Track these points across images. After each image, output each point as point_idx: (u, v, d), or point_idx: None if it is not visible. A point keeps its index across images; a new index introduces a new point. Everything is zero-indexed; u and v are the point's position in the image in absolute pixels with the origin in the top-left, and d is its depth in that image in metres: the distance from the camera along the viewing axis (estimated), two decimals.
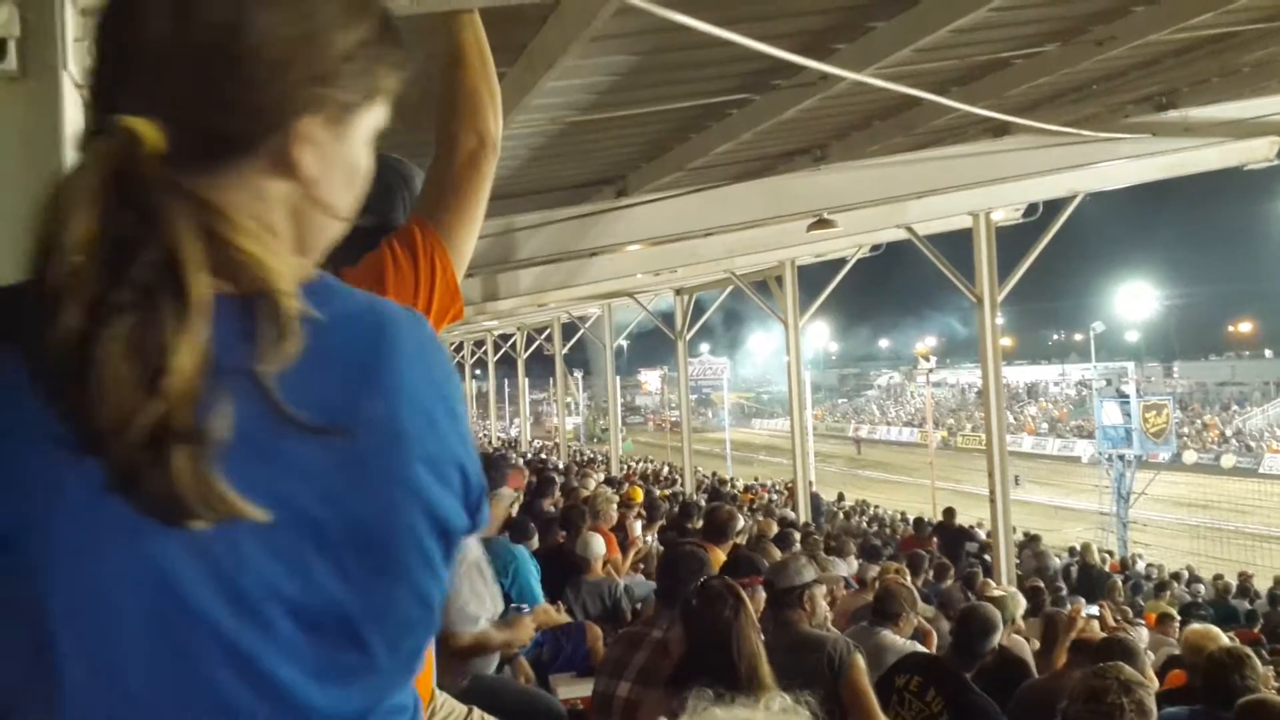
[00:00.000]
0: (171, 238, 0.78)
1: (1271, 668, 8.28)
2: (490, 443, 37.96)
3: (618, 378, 26.30)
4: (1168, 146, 9.09)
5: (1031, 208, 12.74)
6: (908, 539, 16.14)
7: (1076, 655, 5.15)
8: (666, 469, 30.15)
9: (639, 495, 14.52)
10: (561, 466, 23.03)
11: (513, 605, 4.95)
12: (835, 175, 8.96)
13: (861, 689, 4.03)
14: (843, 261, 16.21)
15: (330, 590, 0.83)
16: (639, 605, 6.65)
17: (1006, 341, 67.55)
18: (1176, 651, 7.43)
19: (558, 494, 11.86)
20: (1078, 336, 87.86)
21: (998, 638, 5.05)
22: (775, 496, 24.34)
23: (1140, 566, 20.78)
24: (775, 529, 10.93)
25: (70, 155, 2.11)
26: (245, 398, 0.79)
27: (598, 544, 6.87)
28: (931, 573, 10.85)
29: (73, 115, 1.96)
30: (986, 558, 13.63)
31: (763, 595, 4.63)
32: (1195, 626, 6.74)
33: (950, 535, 15.76)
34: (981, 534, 16.51)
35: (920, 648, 5.56)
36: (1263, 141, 10.12)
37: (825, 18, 5.60)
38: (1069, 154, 8.94)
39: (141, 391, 0.75)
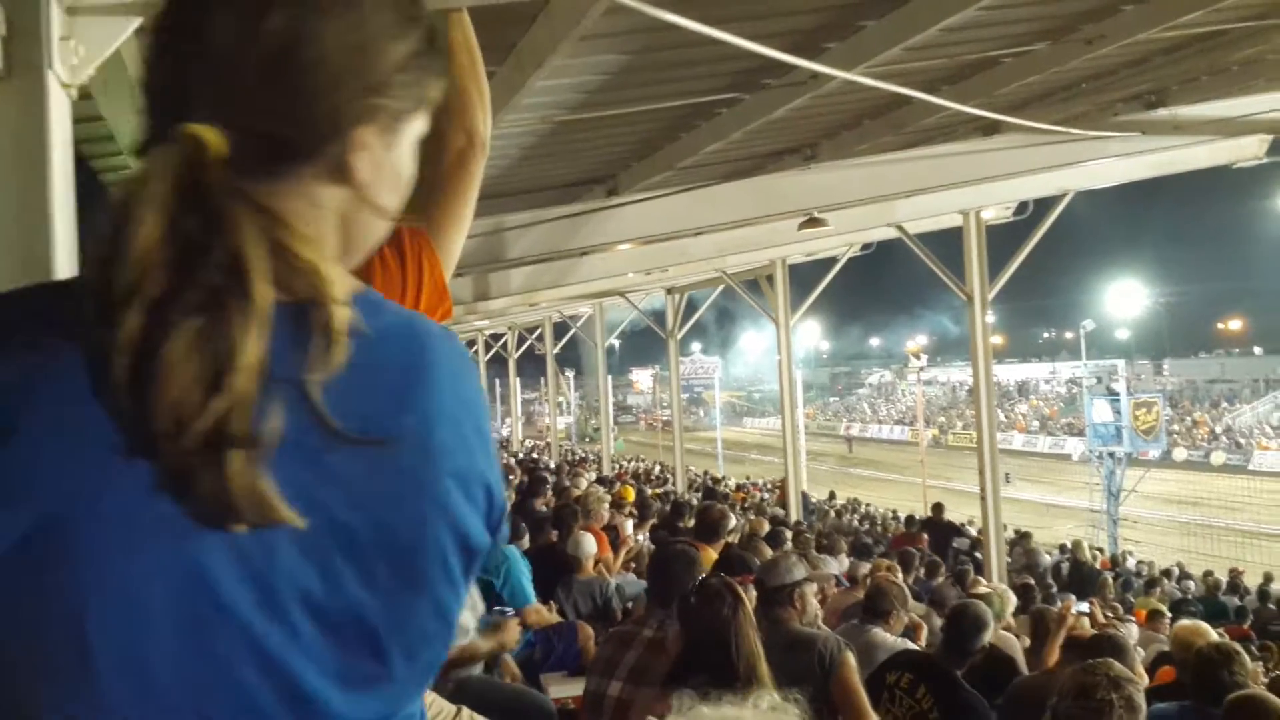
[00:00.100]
0: (237, 243, 0.79)
1: (1261, 663, 8.33)
2: None
3: (609, 377, 26.30)
4: (1157, 145, 9.12)
5: (1022, 206, 12.76)
6: (899, 537, 16.16)
7: (1068, 652, 5.17)
8: (658, 468, 30.16)
9: (631, 494, 14.50)
10: (553, 466, 23.02)
11: (496, 609, 4.96)
12: (826, 174, 8.97)
13: (852, 686, 4.04)
14: (834, 260, 16.21)
15: (356, 597, 0.84)
16: (630, 604, 6.64)
17: (997, 339, 67.64)
18: (1167, 648, 7.44)
19: (549, 493, 11.86)
20: (1068, 334, 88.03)
21: (989, 635, 5.06)
22: (767, 495, 24.36)
23: (1131, 563, 20.86)
24: (767, 527, 10.93)
25: (58, 152, 2.12)
26: (292, 405, 0.80)
27: (589, 543, 6.87)
28: (923, 570, 10.87)
29: (59, 114, 1.96)
30: (978, 555, 13.66)
31: (753, 593, 4.63)
32: (1184, 623, 6.77)
33: (939, 530, 15.80)
34: (971, 530, 16.55)
35: (911, 645, 5.57)
36: (1251, 140, 10.15)
37: (815, 16, 5.61)
38: (1059, 152, 8.96)
39: (203, 393, 0.76)
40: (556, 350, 28.29)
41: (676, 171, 8.45)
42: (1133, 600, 13.96)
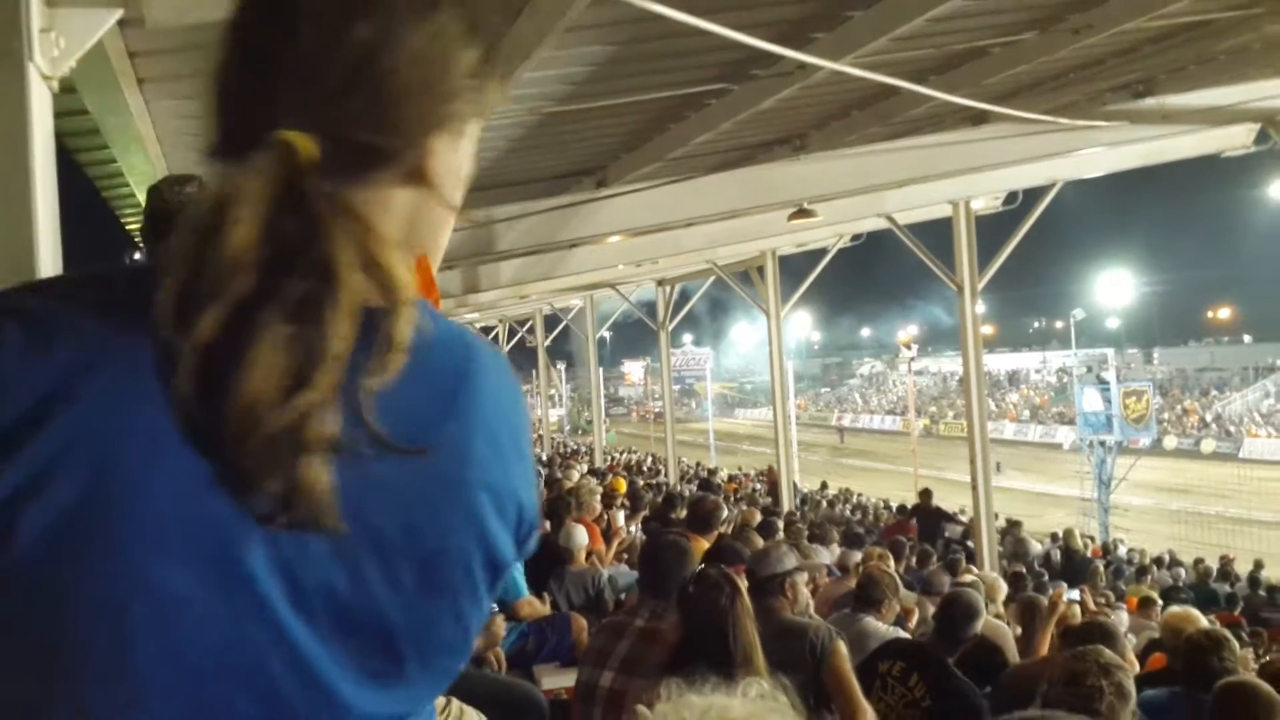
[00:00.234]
0: (330, 247, 0.80)
1: (1251, 650, 8.37)
2: None
3: (601, 369, 26.29)
4: (1146, 134, 9.14)
5: (1011, 196, 12.80)
6: (890, 526, 16.20)
7: (1059, 640, 5.18)
8: (650, 460, 30.16)
9: (623, 486, 14.51)
10: (545, 458, 23.03)
11: None
12: (815, 165, 8.98)
13: (844, 674, 4.05)
14: (824, 251, 16.24)
15: (379, 598, 0.85)
16: (623, 595, 6.65)
17: (987, 329, 67.92)
18: (1158, 635, 7.48)
19: (541, 486, 11.85)
20: (1058, 324, 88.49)
21: (980, 623, 5.08)
22: (759, 486, 24.40)
23: (1122, 551, 20.93)
24: (759, 518, 10.95)
25: (39, 145, 2.11)
26: (349, 407, 0.81)
27: (580, 535, 6.87)
28: (914, 559, 10.90)
29: (40, 106, 1.94)
30: (969, 544, 13.71)
31: (744, 583, 4.63)
32: (1174, 609, 6.80)
33: (927, 516, 15.84)
34: (962, 517, 16.59)
35: (903, 634, 5.58)
36: (1240, 128, 10.16)
37: (802, 7, 5.60)
38: (1047, 142, 8.97)
39: (284, 393, 0.77)
40: (548, 343, 28.30)
41: (665, 163, 8.44)
42: (1124, 588, 14.01)
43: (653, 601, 4.03)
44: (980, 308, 12.44)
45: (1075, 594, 8.70)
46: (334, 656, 0.85)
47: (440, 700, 2.39)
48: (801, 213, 9.80)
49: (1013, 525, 18.76)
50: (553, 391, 46.25)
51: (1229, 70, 8.46)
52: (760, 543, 6.97)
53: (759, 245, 14.98)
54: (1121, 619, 8.92)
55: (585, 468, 20.00)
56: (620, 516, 9.95)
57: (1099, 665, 3.38)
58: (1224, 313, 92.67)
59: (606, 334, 35.30)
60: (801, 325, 75.22)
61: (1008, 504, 25.63)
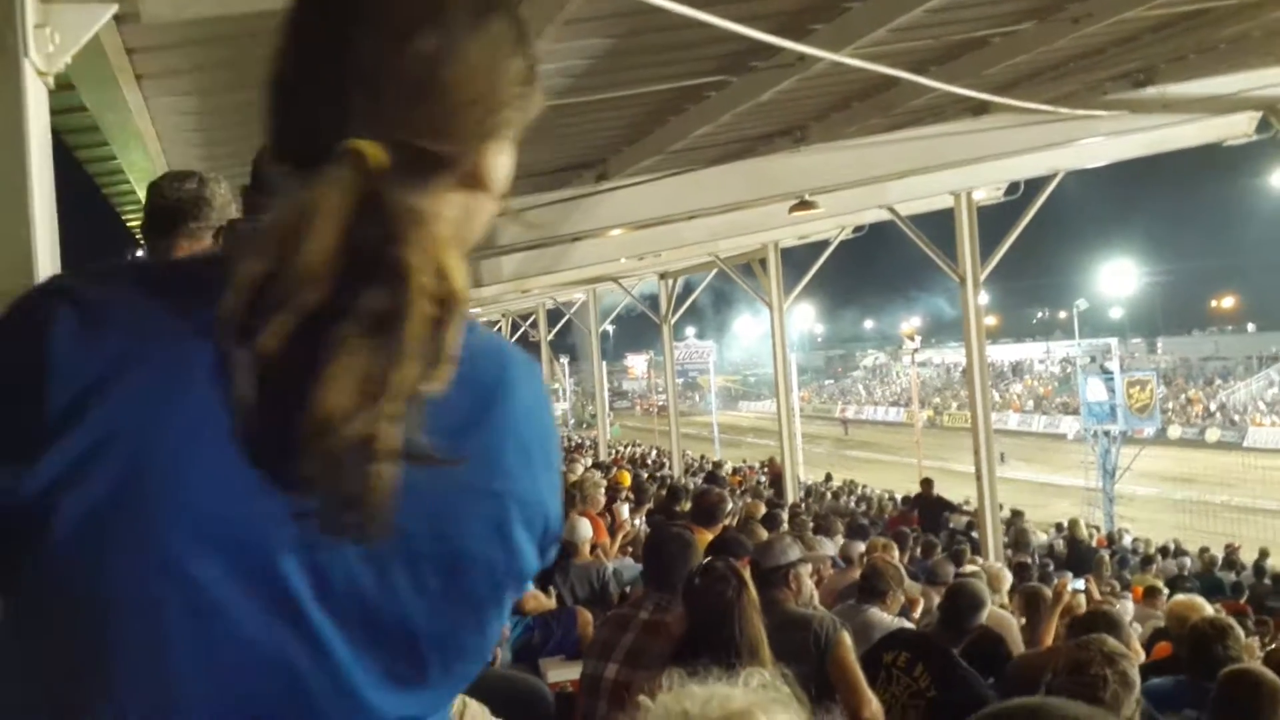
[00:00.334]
0: (406, 256, 0.82)
1: (1257, 638, 8.36)
2: None
3: (604, 362, 26.30)
4: (1147, 123, 9.12)
5: (1013, 186, 12.77)
6: (894, 517, 16.20)
7: (1065, 630, 5.18)
8: (655, 453, 30.16)
9: (627, 479, 14.53)
10: None
11: None
12: (816, 157, 8.97)
13: (848, 665, 4.05)
14: (826, 243, 16.22)
15: (405, 602, 0.86)
16: (628, 588, 6.65)
17: (991, 320, 67.77)
18: (1163, 624, 7.47)
19: None
20: (1062, 314, 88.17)
21: (985, 613, 5.08)
22: (762, 479, 24.40)
23: (1127, 541, 20.90)
24: (763, 510, 10.95)
25: (35, 142, 2.10)
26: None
27: (585, 528, 6.88)
28: (919, 549, 10.90)
29: (36, 102, 1.94)
30: (974, 534, 13.70)
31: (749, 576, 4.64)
32: (1179, 598, 6.80)
33: (929, 506, 15.83)
34: (966, 507, 16.57)
35: (908, 624, 5.58)
36: (1241, 117, 10.13)
37: None
38: (1049, 132, 8.95)
39: (359, 401, 0.78)
40: (551, 337, 28.27)
41: (666, 155, 8.44)
42: (1129, 577, 14.00)
43: (658, 594, 4.03)
44: (983, 298, 12.42)
45: (1080, 584, 8.70)
46: (360, 659, 0.85)
47: None
48: (803, 205, 9.80)
49: (1015, 515, 18.76)
50: (556, 386, 46.26)
51: (1229, 58, 8.44)
52: (765, 535, 6.97)
53: (761, 237, 14.97)
54: (1127, 608, 8.92)
55: (590, 461, 20.02)
56: (625, 510, 9.96)
57: (1103, 654, 3.38)
58: (1227, 302, 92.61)
59: (609, 328, 35.29)
60: (804, 317, 75.29)
61: (1012, 494, 25.60)
